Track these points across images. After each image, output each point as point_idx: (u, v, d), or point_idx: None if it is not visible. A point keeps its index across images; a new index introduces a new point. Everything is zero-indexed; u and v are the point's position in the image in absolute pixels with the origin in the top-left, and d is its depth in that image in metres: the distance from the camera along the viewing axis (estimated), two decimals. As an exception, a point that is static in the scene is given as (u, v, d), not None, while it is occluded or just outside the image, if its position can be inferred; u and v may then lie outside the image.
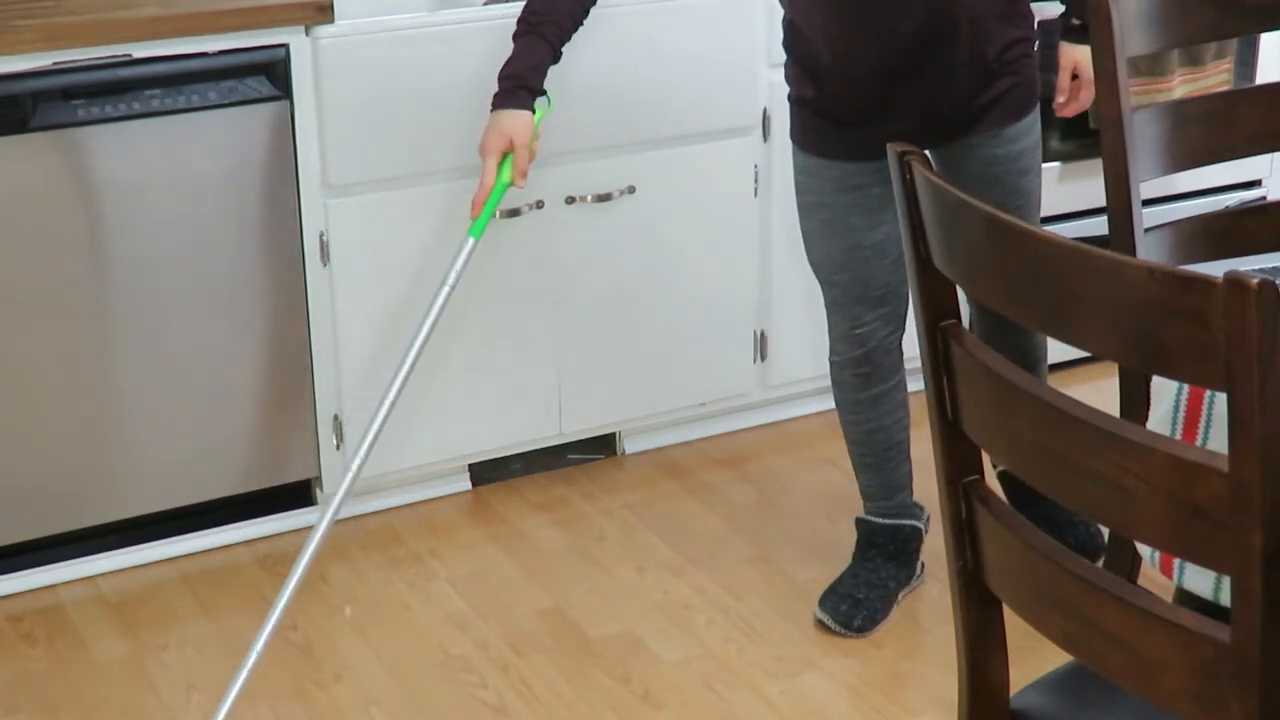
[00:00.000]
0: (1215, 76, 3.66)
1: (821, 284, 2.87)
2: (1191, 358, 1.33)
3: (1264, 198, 3.94)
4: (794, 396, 3.69)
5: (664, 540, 3.24)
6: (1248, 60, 3.78)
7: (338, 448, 3.24)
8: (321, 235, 3.10)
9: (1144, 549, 1.87)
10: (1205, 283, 1.29)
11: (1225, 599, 1.64)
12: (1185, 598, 1.81)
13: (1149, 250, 2.51)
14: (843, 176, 2.74)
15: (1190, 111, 2.60)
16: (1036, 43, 2.81)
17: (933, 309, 1.63)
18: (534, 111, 2.77)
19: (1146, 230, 2.51)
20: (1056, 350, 3.24)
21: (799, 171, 2.82)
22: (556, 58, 2.81)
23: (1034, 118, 2.82)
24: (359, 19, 3.06)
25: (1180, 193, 3.72)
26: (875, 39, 2.65)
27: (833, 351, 2.90)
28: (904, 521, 2.98)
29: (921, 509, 3.02)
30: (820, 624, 2.90)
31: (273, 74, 3.00)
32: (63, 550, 3.10)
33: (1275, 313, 1.26)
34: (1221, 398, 1.35)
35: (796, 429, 3.67)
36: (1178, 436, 1.77)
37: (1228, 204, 3.77)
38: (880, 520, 2.98)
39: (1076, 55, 2.94)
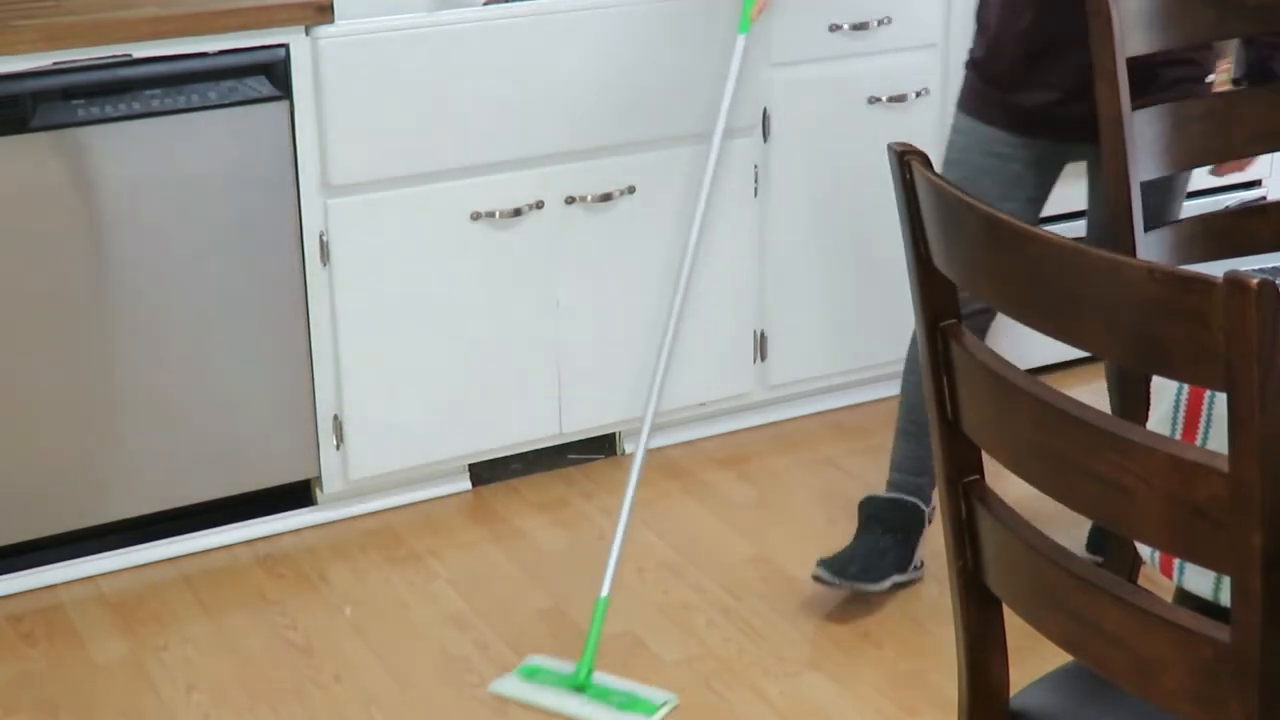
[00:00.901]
0: (1215, 76, 3.65)
1: None
2: (1191, 358, 1.33)
3: (1264, 198, 3.94)
4: (794, 396, 3.69)
5: (664, 540, 3.24)
6: (1248, 60, 3.77)
7: (338, 448, 3.24)
8: (321, 235, 3.10)
9: (1144, 549, 1.87)
10: (1205, 283, 1.29)
11: (1225, 599, 1.64)
12: (1185, 598, 1.81)
13: (1149, 250, 2.51)
14: (989, 141, 2.83)
15: (1190, 111, 2.60)
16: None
17: (933, 309, 1.63)
18: None
19: (1146, 230, 2.51)
20: (1057, 350, 3.24)
21: (952, 129, 2.93)
22: None
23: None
24: (359, 19, 3.06)
25: (1180, 193, 3.71)
26: None
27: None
28: (908, 497, 3.00)
29: (931, 504, 3.01)
30: (817, 580, 2.92)
31: (273, 74, 3.00)
32: (63, 550, 3.10)
33: (1275, 313, 1.26)
34: (1221, 398, 1.35)
35: (796, 429, 3.67)
36: (1178, 436, 1.77)
37: (1228, 204, 3.77)
38: (886, 495, 3.01)
39: None
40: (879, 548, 2.95)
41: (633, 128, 3.28)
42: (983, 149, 2.84)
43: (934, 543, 2.75)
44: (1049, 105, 2.79)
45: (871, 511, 3.01)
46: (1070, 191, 3.76)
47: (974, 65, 2.90)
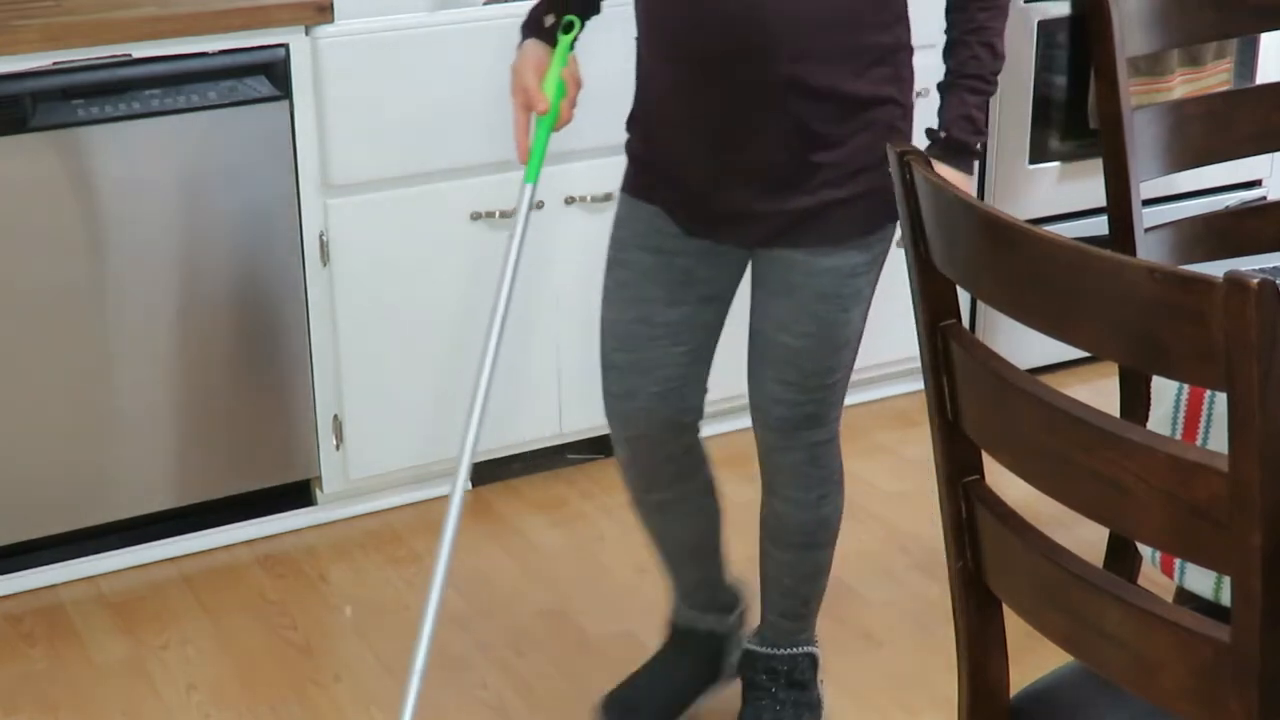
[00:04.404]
0: (1215, 76, 3.66)
1: (601, 370, 2.46)
2: (1191, 358, 1.33)
3: (1264, 198, 3.95)
4: (794, 396, 3.69)
5: (664, 540, 3.23)
6: (1248, 60, 3.78)
7: (338, 448, 3.24)
8: (321, 235, 3.10)
9: (1144, 549, 1.87)
10: (1205, 283, 1.29)
11: (1225, 599, 1.64)
12: (1185, 598, 1.81)
13: (1149, 250, 2.51)
14: (648, 233, 2.36)
15: (1190, 111, 2.60)
16: (909, 111, 2.32)
17: (933, 309, 1.63)
18: (554, 37, 2.43)
19: (1147, 230, 2.51)
20: (1057, 350, 3.24)
21: (614, 220, 2.46)
22: None
23: (881, 234, 2.32)
24: (359, 19, 3.06)
25: (1180, 193, 3.72)
26: (673, 50, 2.27)
27: (612, 438, 2.50)
28: (706, 617, 2.66)
29: (737, 600, 2.69)
30: None
31: (273, 74, 3.00)
32: (63, 550, 3.10)
33: (1275, 313, 1.26)
34: (1221, 398, 1.35)
35: (796, 429, 3.67)
36: (1178, 436, 1.78)
37: (1228, 204, 3.77)
38: (682, 614, 2.67)
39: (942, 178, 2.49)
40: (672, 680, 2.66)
41: (633, 128, 3.28)
42: (641, 241, 2.37)
43: (934, 542, 2.75)
44: (697, 198, 2.32)
45: (671, 635, 2.70)
46: (1070, 191, 3.77)
47: (629, 128, 2.43)
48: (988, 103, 2.30)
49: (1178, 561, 1.74)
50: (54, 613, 3.01)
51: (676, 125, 2.29)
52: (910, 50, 2.30)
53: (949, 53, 2.31)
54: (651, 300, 2.36)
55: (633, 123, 2.41)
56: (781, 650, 2.60)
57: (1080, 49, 3.57)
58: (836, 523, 2.53)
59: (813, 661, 2.63)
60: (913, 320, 1.68)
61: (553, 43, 2.40)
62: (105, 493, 3.10)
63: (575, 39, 2.41)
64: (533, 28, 2.43)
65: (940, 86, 2.32)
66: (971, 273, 1.56)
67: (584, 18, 2.43)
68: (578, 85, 2.42)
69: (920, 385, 1.74)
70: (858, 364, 3.71)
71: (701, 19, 2.18)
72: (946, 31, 2.30)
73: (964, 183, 2.30)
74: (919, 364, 1.69)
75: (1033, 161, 3.69)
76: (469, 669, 2.83)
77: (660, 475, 2.48)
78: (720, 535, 2.63)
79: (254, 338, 3.12)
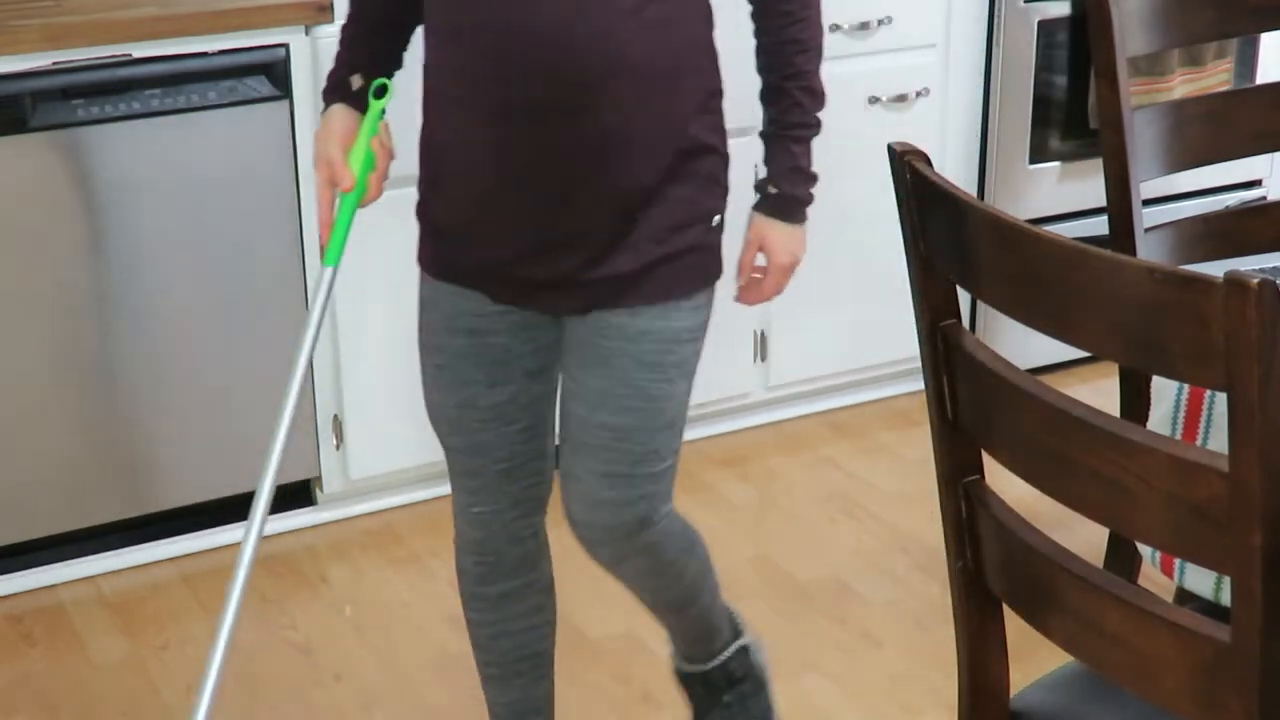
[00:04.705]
0: (1215, 76, 3.66)
1: (442, 447, 2.27)
2: (1191, 358, 1.33)
3: (1264, 198, 3.95)
4: (794, 396, 3.69)
5: (664, 540, 3.23)
6: (1248, 60, 3.78)
7: (338, 448, 3.24)
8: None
9: (1144, 549, 1.87)
10: (1205, 283, 1.29)
11: (1225, 599, 1.64)
12: (1185, 598, 1.81)
13: (1149, 250, 2.51)
14: (455, 315, 2.15)
15: (1190, 111, 2.60)
16: (728, 161, 2.13)
17: (933, 309, 1.63)
18: (363, 102, 2.16)
19: (1147, 230, 2.51)
20: (1057, 350, 3.24)
21: (419, 302, 2.24)
22: (387, 45, 2.21)
23: (706, 297, 2.12)
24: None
25: (1180, 193, 3.72)
26: (476, 104, 2.03)
27: (455, 528, 2.30)
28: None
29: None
30: None
31: (273, 74, 3.00)
32: (63, 550, 3.10)
33: (1275, 313, 1.26)
34: (1221, 398, 1.35)
35: (796, 429, 3.67)
36: (1178, 436, 1.78)
37: (1228, 204, 3.77)
38: None
39: (766, 231, 2.18)
40: None
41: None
42: (448, 324, 2.16)
43: (935, 542, 2.76)
44: (507, 264, 2.08)
45: None
46: (1070, 191, 3.77)
47: (421, 192, 2.20)
48: (811, 146, 2.17)
49: (1178, 561, 1.74)
50: (54, 613, 3.01)
51: (482, 189, 2.05)
52: (723, 94, 2.12)
53: (767, 100, 2.15)
54: (472, 384, 2.15)
55: (426, 187, 2.17)
56: (709, 665, 2.44)
57: (1080, 49, 3.57)
58: (703, 575, 2.30)
59: (742, 652, 2.46)
60: (913, 320, 1.68)
61: (362, 108, 2.14)
62: (105, 493, 3.10)
63: (386, 105, 2.16)
64: (338, 92, 2.16)
65: (763, 136, 2.17)
66: (971, 273, 1.56)
67: (389, 75, 2.18)
68: (389, 156, 2.16)
69: (920, 385, 1.74)
70: (862, 364, 3.75)
71: (508, 68, 1.97)
72: (761, 73, 2.15)
73: (797, 241, 2.17)
74: (919, 364, 1.69)
75: (1033, 161, 3.69)
76: (468, 669, 2.83)
77: (505, 560, 2.26)
78: (552, 656, 2.38)
79: (253, 337, 3.12)
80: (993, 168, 3.68)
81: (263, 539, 3.21)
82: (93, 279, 2.97)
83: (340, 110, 2.15)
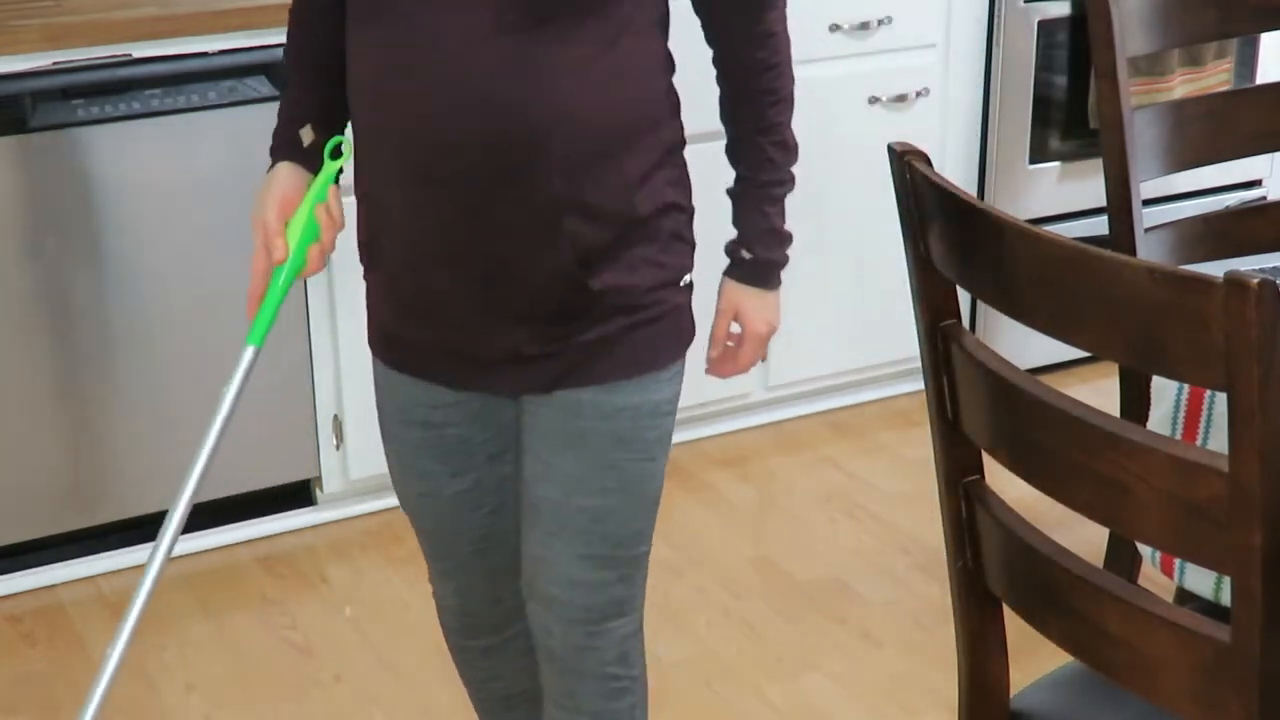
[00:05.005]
0: (1215, 76, 3.66)
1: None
2: (1191, 358, 1.33)
3: (1264, 198, 3.95)
4: (794, 396, 3.69)
5: (664, 540, 3.23)
6: (1248, 60, 3.78)
7: (338, 448, 3.24)
8: (321, 235, 3.10)
9: (1144, 549, 1.87)
10: (1205, 283, 1.29)
11: (1225, 599, 1.64)
12: (1185, 598, 1.81)
13: (1149, 250, 2.51)
14: (408, 407, 1.98)
15: (1190, 111, 2.60)
16: (692, 217, 1.93)
17: (933, 309, 1.63)
18: (316, 160, 1.92)
19: (1147, 230, 2.51)
20: (1057, 350, 3.24)
21: (373, 378, 2.06)
22: (334, 94, 1.91)
23: (680, 364, 1.95)
24: (359, 19, 3.05)
25: (1180, 193, 3.72)
26: (412, 171, 1.81)
27: (432, 585, 2.19)
28: None
29: None
30: None
31: (273, 74, 3.00)
32: (63, 550, 3.10)
33: (1275, 313, 1.26)
34: (1221, 398, 1.35)
35: (796, 429, 3.67)
36: (1178, 436, 1.78)
37: (1228, 204, 3.77)
38: None
39: (739, 299, 2.00)
40: None
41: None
42: (401, 415, 2.00)
43: (935, 542, 2.76)
44: (449, 344, 1.90)
45: None
46: (1070, 191, 3.77)
47: (365, 264, 2.00)
48: (785, 205, 1.98)
49: (1178, 561, 1.74)
50: (54, 613, 3.01)
51: (425, 262, 1.85)
52: (685, 143, 1.93)
53: (736, 154, 1.97)
54: (433, 475, 2.00)
55: (366, 250, 1.96)
56: None
57: (1080, 49, 3.57)
58: None
59: None
60: (913, 320, 1.68)
61: (313, 166, 1.91)
62: (105, 493, 3.10)
63: (342, 168, 1.92)
64: (287, 148, 1.92)
65: (732, 194, 1.98)
66: (971, 273, 1.56)
67: (344, 125, 1.95)
68: (336, 226, 1.92)
69: (920, 385, 1.74)
70: (859, 364, 3.75)
71: (440, 129, 1.76)
72: (728, 125, 1.97)
73: (772, 308, 2.00)
74: (919, 364, 1.69)
75: (1033, 161, 3.69)
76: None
77: (486, 620, 2.13)
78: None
79: (254, 338, 3.12)
80: (993, 168, 3.68)
81: (262, 539, 3.24)
82: (92, 279, 2.97)
83: (287, 169, 1.91)
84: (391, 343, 1.96)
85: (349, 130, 1.93)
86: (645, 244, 1.85)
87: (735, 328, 2.02)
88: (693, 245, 1.93)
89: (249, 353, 1.95)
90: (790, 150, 1.97)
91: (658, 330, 1.89)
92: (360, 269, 2.01)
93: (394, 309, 1.93)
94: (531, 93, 1.74)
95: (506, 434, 1.98)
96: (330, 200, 1.91)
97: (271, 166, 1.93)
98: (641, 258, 1.85)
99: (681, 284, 1.92)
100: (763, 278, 1.99)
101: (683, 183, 1.91)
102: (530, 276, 1.82)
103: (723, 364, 2.05)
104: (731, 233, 2.00)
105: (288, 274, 1.90)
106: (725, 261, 2.01)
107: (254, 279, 1.93)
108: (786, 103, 1.96)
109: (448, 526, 2.05)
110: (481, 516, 2.03)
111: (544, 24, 1.74)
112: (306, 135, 1.92)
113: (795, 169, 1.99)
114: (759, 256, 1.98)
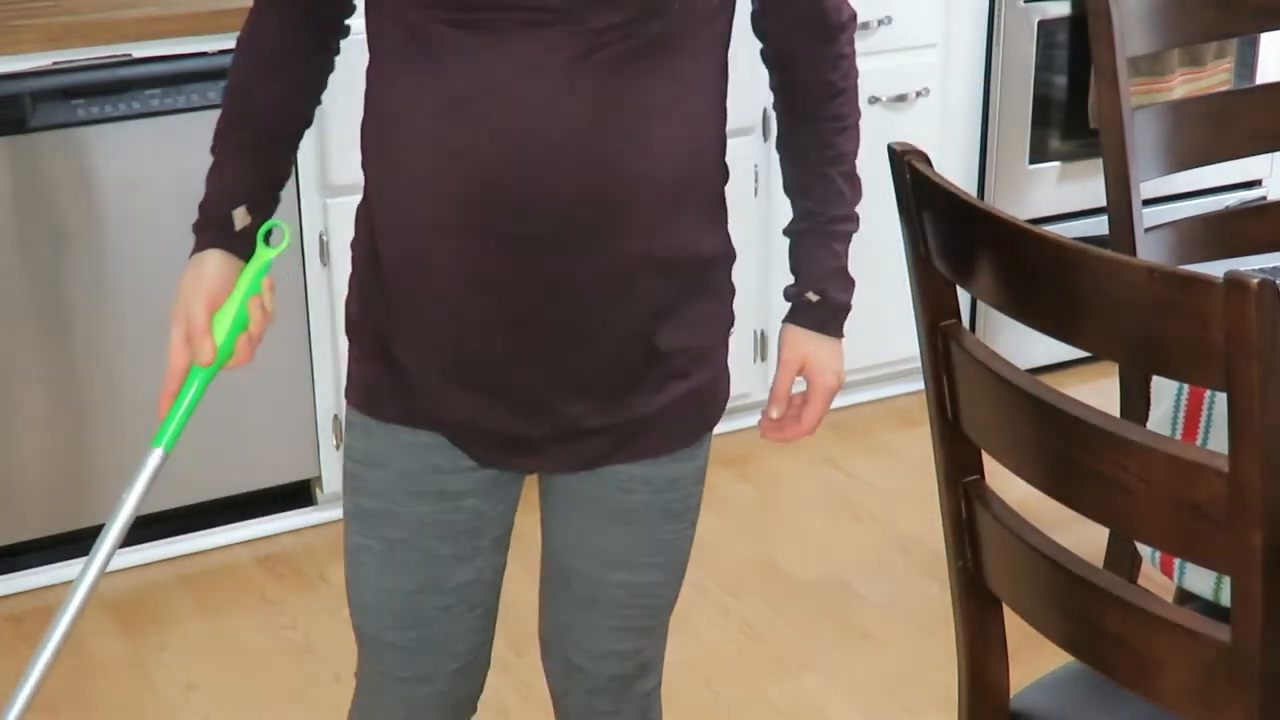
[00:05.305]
0: (1215, 76, 3.66)
1: (363, 645, 1.87)
2: (1191, 358, 1.33)
3: (1264, 198, 3.95)
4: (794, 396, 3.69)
5: (664, 540, 3.24)
6: (1248, 60, 3.78)
7: (338, 448, 3.24)
8: (321, 235, 3.10)
9: (1144, 549, 1.87)
10: (1205, 283, 1.29)
11: (1225, 599, 1.64)
12: (1185, 598, 1.81)
13: (1149, 250, 2.51)
14: (424, 474, 1.72)
15: (1190, 111, 2.60)
16: (733, 262, 1.80)
17: (933, 309, 1.63)
18: (249, 247, 1.76)
19: (1147, 230, 2.51)
20: (1057, 350, 3.24)
21: (348, 456, 1.78)
22: (275, 170, 1.83)
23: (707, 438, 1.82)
24: (358, 18, 3.05)
25: (1180, 193, 3.72)
26: (470, 231, 1.61)
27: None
28: None
29: None
30: None
31: (273, 74, 3.00)
32: (63, 550, 3.10)
33: (1275, 313, 1.26)
34: (1221, 398, 1.35)
35: (796, 429, 3.67)
36: (1178, 436, 1.78)
37: (1228, 204, 3.77)
38: None
39: (808, 349, 1.83)
40: None
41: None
42: (410, 485, 1.73)
43: (934, 542, 2.76)
44: (503, 414, 1.69)
45: None
46: (1070, 191, 3.77)
47: (357, 320, 1.80)
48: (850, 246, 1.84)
49: (1178, 561, 1.74)
50: (54, 613, 3.00)
51: (467, 329, 1.64)
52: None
53: (800, 188, 1.82)
54: (439, 560, 1.74)
55: (374, 306, 1.75)
56: None
57: (1080, 49, 3.57)
58: None
59: None
60: (913, 320, 1.68)
61: (243, 251, 1.73)
62: (104, 493, 3.10)
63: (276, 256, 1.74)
64: (216, 230, 1.72)
65: (796, 232, 1.82)
66: (971, 273, 1.56)
67: (277, 201, 1.81)
68: (266, 319, 1.75)
69: (920, 385, 1.74)
70: (859, 363, 3.74)
71: (526, 191, 1.56)
72: (791, 158, 1.83)
73: (840, 358, 1.83)
74: (919, 364, 1.69)
75: (1033, 161, 3.69)
76: (469, 669, 2.83)
77: None
78: None
79: (254, 338, 3.12)
80: (993, 168, 3.68)
81: (262, 539, 3.24)
82: (92, 279, 2.97)
83: (216, 258, 1.71)
84: (414, 404, 1.70)
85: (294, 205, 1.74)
86: (705, 297, 1.73)
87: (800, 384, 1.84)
88: (732, 293, 1.80)
89: (155, 456, 1.75)
90: (858, 184, 1.83)
91: (711, 390, 1.77)
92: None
93: (415, 373, 1.70)
94: (625, 142, 1.57)
95: (512, 512, 1.81)
96: (264, 292, 1.73)
97: (196, 248, 1.72)
98: (699, 314, 1.72)
99: (729, 337, 1.80)
100: (832, 324, 1.82)
101: (725, 225, 1.77)
102: (600, 343, 1.65)
103: (784, 427, 1.85)
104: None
105: (209, 373, 1.75)
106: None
107: (170, 376, 1.76)
108: (855, 130, 1.83)
109: (436, 634, 1.77)
110: (474, 620, 1.80)
111: (636, 60, 1.57)
112: (240, 218, 1.73)
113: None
114: (830, 300, 1.81)
